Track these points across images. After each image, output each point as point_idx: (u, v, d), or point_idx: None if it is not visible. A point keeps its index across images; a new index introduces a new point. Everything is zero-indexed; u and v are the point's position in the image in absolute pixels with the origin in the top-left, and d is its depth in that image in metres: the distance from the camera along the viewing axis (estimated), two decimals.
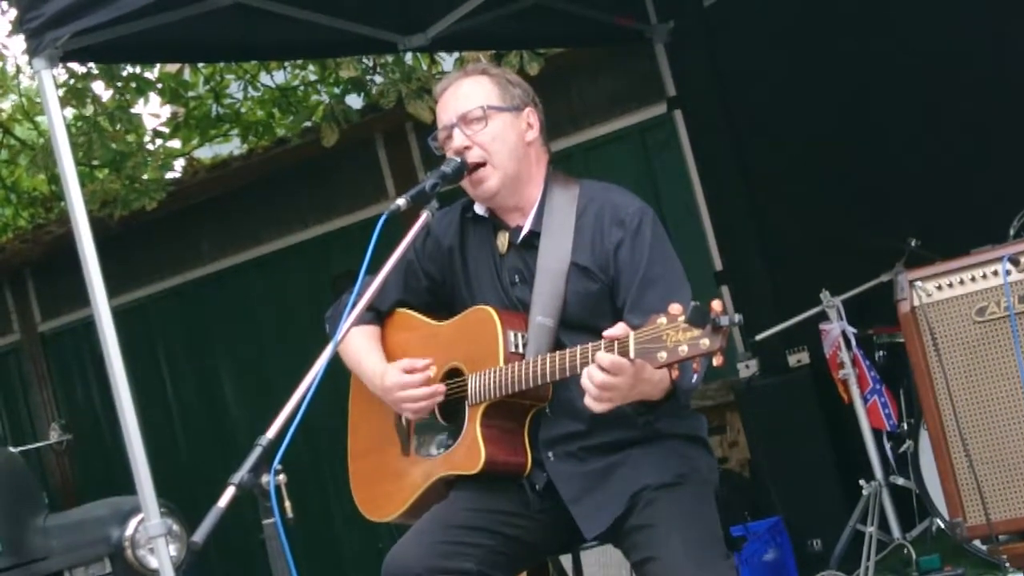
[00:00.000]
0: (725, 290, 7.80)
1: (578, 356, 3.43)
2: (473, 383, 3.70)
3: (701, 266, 7.86)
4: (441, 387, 3.79)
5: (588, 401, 3.35)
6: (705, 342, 3.11)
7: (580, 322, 3.66)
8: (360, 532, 9.46)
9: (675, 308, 3.18)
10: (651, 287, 3.60)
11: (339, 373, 3.92)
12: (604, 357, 3.27)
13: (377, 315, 3.98)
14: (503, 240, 3.83)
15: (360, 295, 3.46)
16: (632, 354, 3.23)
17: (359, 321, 3.63)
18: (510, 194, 3.77)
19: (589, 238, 3.71)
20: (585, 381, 3.33)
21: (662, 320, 3.18)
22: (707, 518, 3.63)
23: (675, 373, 3.24)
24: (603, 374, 3.28)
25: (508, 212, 3.82)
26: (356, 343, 3.93)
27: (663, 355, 3.17)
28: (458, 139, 3.73)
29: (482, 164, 3.71)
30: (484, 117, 3.73)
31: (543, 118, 3.86)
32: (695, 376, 3.42)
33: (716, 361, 3.15)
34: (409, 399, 3.80)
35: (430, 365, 3.80)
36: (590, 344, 3.39)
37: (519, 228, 3.80)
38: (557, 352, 3.53)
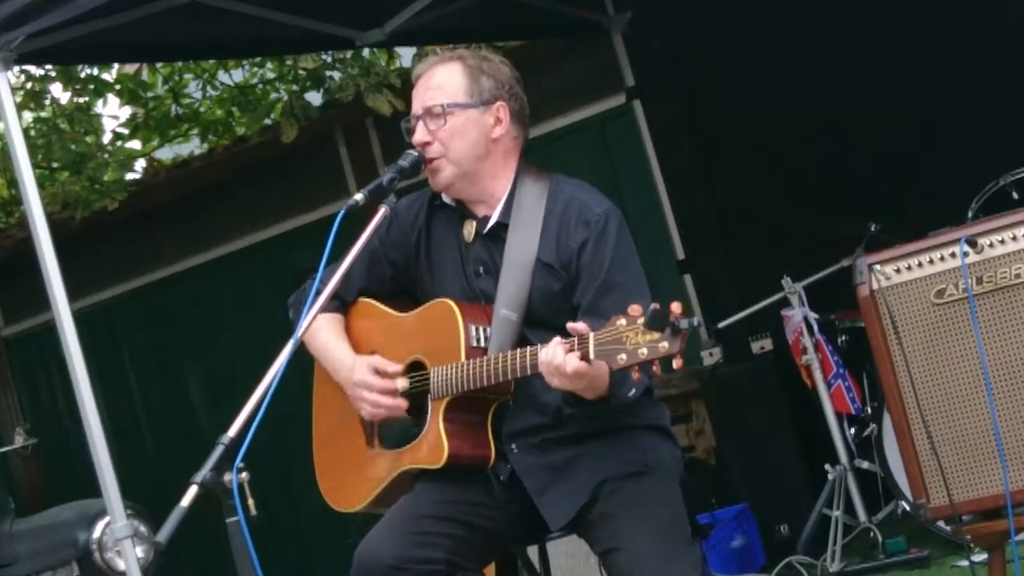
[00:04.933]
0: (688, 279, 7.82)
1: (539, 355, 3.44)
2: (435, 377, 3.71)
3: (663, 255, 7.88)
4: (403, 403, 3.77)
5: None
6: (664, 345, 3.14)
7: (544, 319, 3.67)
8: (328, 527, 9.42)
9: (635, 309, 3.21)
10: (609, 293, 3.60)
11: (306, 365, 3.92)
12: (570, 359, 3.32)
13: (342, 304, 3.97)
14: (470, 229, 3.83)
15: (323, 284, 3.48)
16: (592, 355, 3.26)
17: (324, 310, 3.65)
18: (467, 187, 3.79)
19: (555, 235, 3.71)
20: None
21: (622, 321, 3.21)
22: (671, 507, 3.66)
23: (636, 375, 3.27)
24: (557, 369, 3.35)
25: (473, 203, 3.83)
26: (323, 331, 3.92)
27: (623, 357, 3.20)
28: (419, 133, 3.75)
29: (439, 157, 3.73)
30: (443, 115, 3.72)
31: (518, 107, 3.81)
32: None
33: (676, 364, 3.18)
34: (369, 402, 3.80)
35: (399, 373, 3.79)
36: (552, 342, 3.41)
37: (486, 218, 3.80)
38: (519, 350, 3.54)
